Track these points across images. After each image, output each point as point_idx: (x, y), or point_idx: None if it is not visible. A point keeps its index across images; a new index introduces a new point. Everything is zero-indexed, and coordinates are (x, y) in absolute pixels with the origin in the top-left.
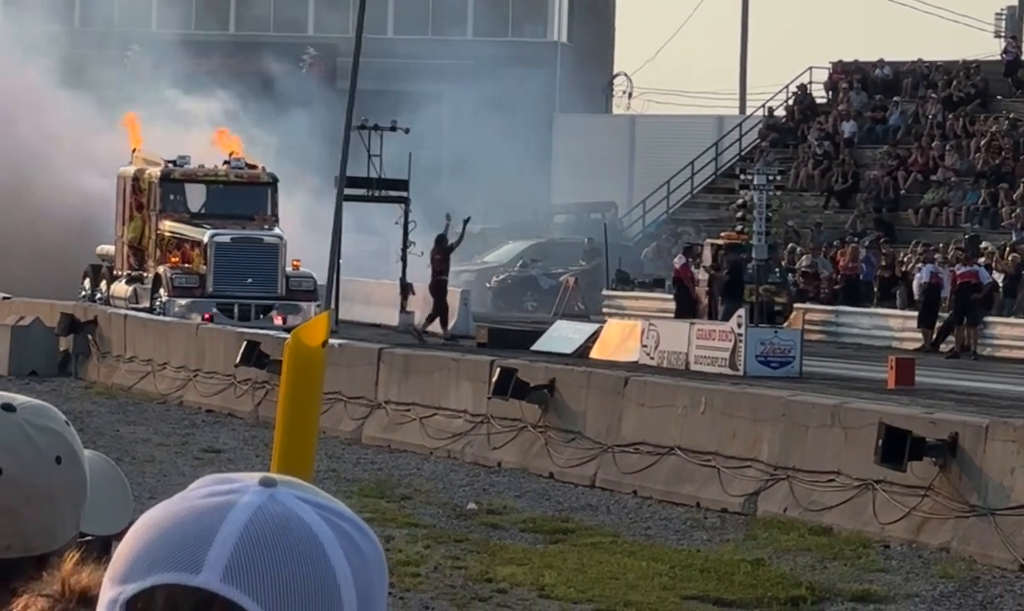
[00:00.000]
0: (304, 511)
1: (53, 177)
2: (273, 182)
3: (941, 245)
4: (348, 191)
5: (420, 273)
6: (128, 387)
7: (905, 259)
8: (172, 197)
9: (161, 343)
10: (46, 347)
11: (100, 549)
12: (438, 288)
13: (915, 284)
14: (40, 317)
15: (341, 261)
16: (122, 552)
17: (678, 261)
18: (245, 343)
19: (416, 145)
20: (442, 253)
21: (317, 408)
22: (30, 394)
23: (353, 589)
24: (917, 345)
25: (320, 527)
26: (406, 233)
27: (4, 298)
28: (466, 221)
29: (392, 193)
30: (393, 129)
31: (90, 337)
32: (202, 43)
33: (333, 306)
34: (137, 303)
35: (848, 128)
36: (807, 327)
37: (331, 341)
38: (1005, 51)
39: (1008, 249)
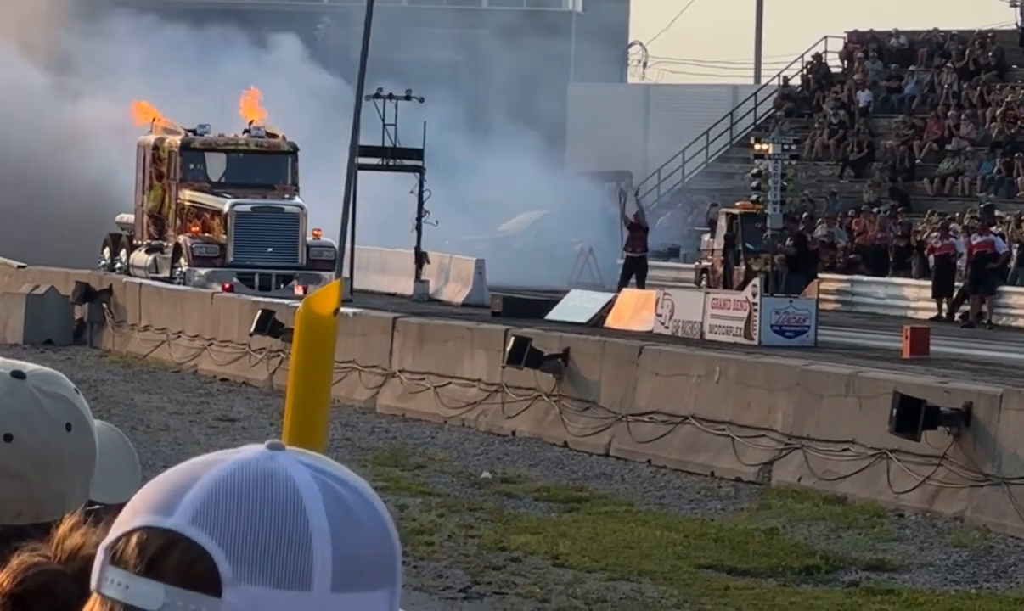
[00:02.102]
0: (296, 470)
1: (72, 146)
2: (294, 151)
3: (956, 214)
4: (363, 160)
5: (434, 242)
6: (143, 356)
7: (921, 229)
8: (192, 166)
9: (176, 312)
10: (61, 316)
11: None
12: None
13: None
14: (55, 286)
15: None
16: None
17: None
18: (260, 312)
19: (431, 114)
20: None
21: (328, 375)
22: (45, 363)
23: (329, 546)
24: (932, 314)
25: (306, 484)
26: (421, 202)
27: (19, 267)
28: (636, 193)
29: (407, 162)
30: (408, 98)
31: (105, 306)
32: (219, 11)
33: (347, 275)
34: (157, 273)
35: (863, 97)
36: (822, 297)
37: (345, 310)
38: (1021, 20)
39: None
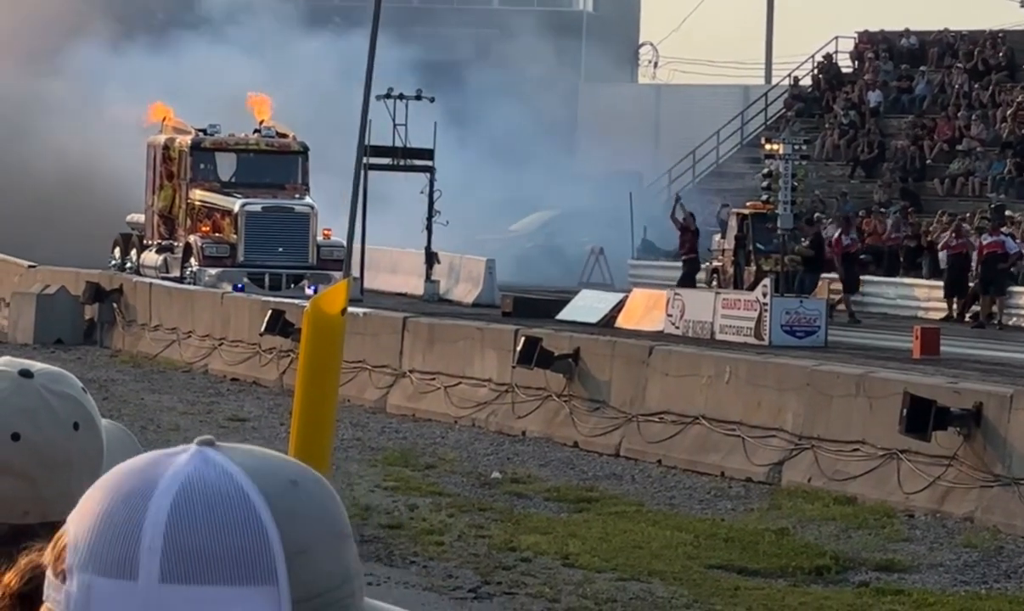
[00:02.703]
0: (184, 462)
1: (83, 145)
2: (304, 151)
3: (967, 214)
4: (373, 160)
5: (445, 242)
6: (153, 355)
7: (932, 229)
8: (203, 166)
9: (186, 312)
10: (71, 315)
11: None
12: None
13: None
14: (65, 285)
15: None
16: (71, 530)
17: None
18: (270, 312)
19: (441, 114)
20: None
21: (336, 373)
22: (55, 362)
23: (161, 533)
24: (943, 314)
25: (175, 476)
26: (431, 203)
27: (30, 267)
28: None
29: (417, 162)
30: (418, 98)
31: (115, 306)
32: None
33: (358, 275)
34: (167, 272)
35: (874, 98)
36: (832, 297)
37: (356, 310)
38: None
39: None
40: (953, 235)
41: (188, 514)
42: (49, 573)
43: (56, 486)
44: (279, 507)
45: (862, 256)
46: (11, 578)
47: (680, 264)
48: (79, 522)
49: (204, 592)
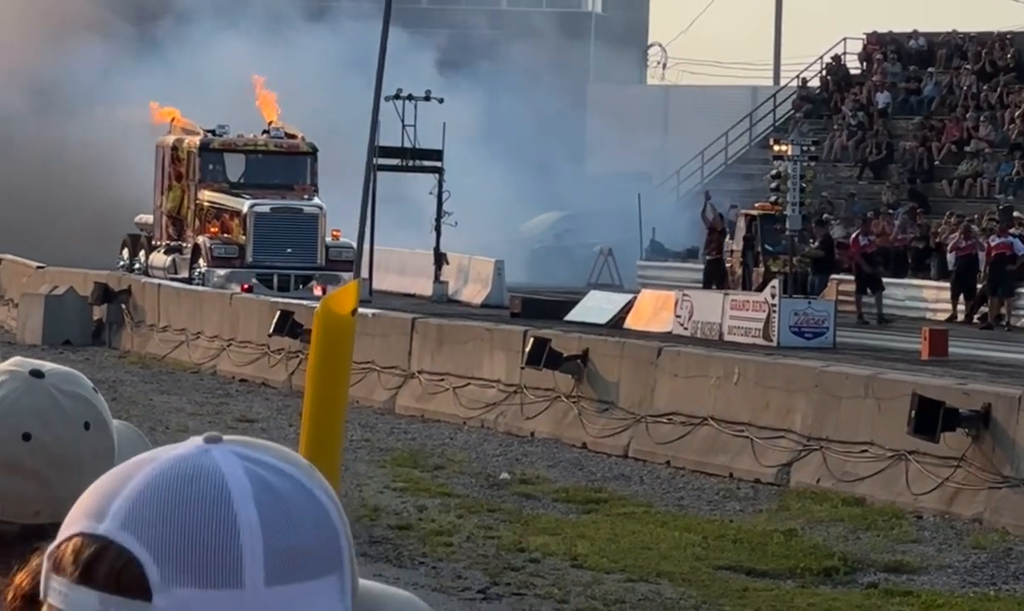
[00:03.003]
0: (228, 462)
1: (91, 145)
2: (313, 151)
3: (975, 216)
4: (382, 161)
5: (454, 243)
6: (162, 357)
7: (939, 230)
8: (211, 167)
9: (195, 313)
10: (80, 316)
11: None
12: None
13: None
14: (74, 286)
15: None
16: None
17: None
18: (278, 313)
19: (450, 115)
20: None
21: (347, 375)
22: (63, 363)
23: (260, 538)
24: (947, 315)
25: (236, 477)
26: (440, 203)
27: (38, 267)
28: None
29: (426, 163)
30: (427, 99)
31: (123, 306)
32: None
33: (366, 276)
34: (176, 273)
35: (882, 99)
36: (841, 298)
37: (364, 311)
38: None
39: None
40: (962, 236)
41: (276, 516)
42: (65, 580)
43: (67, 486)
44: (330, 495)
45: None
46: (23, 579)
47: (701, 264)
48: (150, 537)
49: (300, 589)
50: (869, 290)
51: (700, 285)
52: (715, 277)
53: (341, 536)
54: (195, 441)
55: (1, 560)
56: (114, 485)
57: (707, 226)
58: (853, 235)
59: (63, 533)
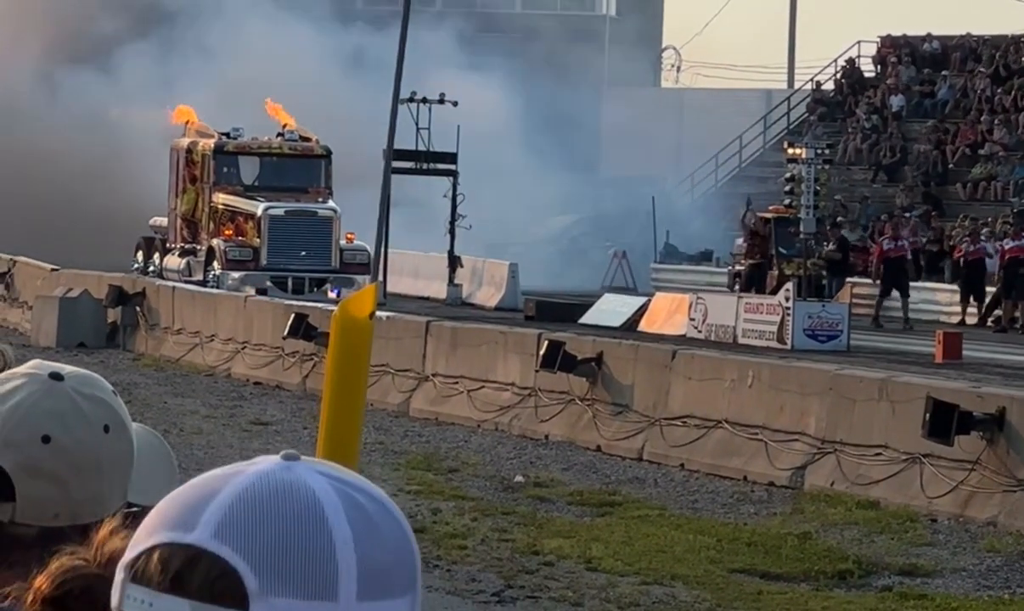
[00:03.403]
0: (314, 480)
1: (105, 147)
2: (327, 154)
3: (989, 219)
4: (396, 164)
5: (468, 246)
6: (176, 359)
7: (953, 233)
8: (226, 169)
9: (209, 315)
10: (94, 319)
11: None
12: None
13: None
14: (88, 289)
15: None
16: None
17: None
18: (293, 315)
19: (465, 117)
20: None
21: (364, 378)
22: (78, 366)
23: (354, 554)
24: (958, 319)
25: (326, 493)
26: (454, 206)
27: (53, 270)
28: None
29: (440, 166)
30: (441, 102)
31: (138, 309)
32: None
33: (381, 279)
34: (190, 276)
35: (896, 102)
36: (855, 301)
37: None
38: None
39: None
40: (968, 240)
41: (366, 533)
42: (150, 590)
43: (86, 489)
44: (356, 517)
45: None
46: (42, 582)
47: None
48: (246, 547)
49: (384, 606)
50: (897, 293)
51: (716, 288)
52: (756, 281)
53: (417, 558)
54: (272, 458)
55: (20, 562)
56: (198, 497)
57: (747, 231)
58: (881, 240)
59: (139, 544)
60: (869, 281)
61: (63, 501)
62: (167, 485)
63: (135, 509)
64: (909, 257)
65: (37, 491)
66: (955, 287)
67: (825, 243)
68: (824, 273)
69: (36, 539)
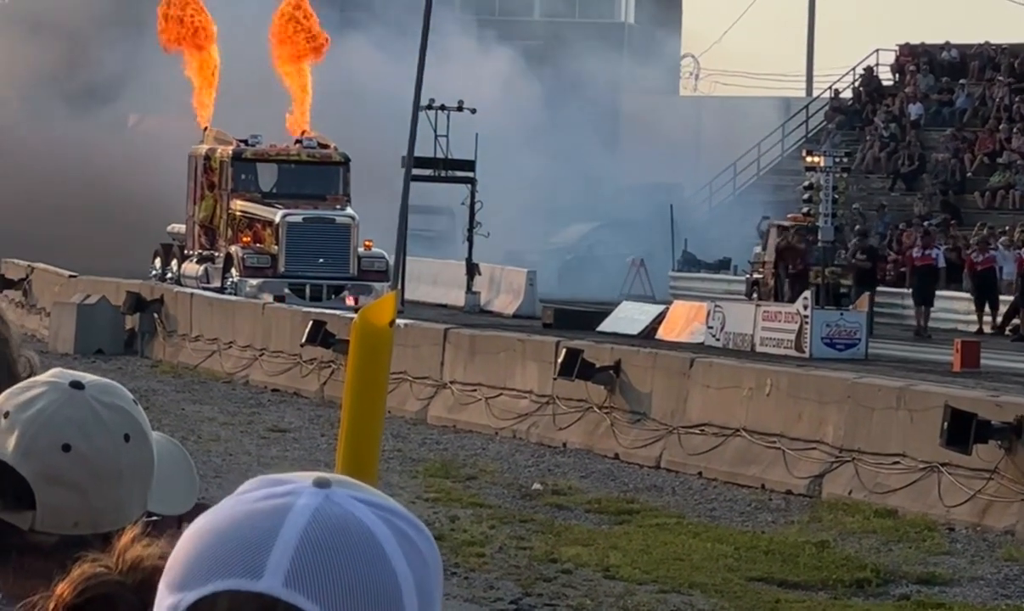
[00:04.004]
0: (361, 512)
1: (124, 154)
2: (345, 162)
3: (1007, 228)
4: (414, 171)
5: (486, 253)
6: (194, 366)
7: (970, 243)
8: (244, 176)
9: (227, 322)
10: (112, 325)
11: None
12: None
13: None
14: (106, 296)
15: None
16: (178, 558)
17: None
18: (311, 323)
19: (483, 125)
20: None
21: (384, 387)
22: (96, 372)
23: (414, 590)
24: (974, 329)
25: (379, 528)
26: (472, 213)
27: (71, 276)
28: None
29: (459, 173)
30: (460, 109)
31: (156, 316)
32: None
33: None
34: (208, 283)
35: (915, 110)
36: (877, 309)
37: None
38: None
39: None
40: (978, 250)
41: (418, 566)
42: None
43: (106, 497)
44: (409, 551)
45: (901, 269)
46: (64, 589)
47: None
48: (319, 595)
49: None
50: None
51: (734, 296)
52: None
53: (441, 574)
54: (305, 482)
55: (40, 570)
56: (254, 538)
57: (784, 246)
58: (911, 250)
59: (194, 587)
60: (887, 289)
61: (83, 509)
62: (187, 494)
63: (154, 518)
64: (942, 265)
65: (57, 499)
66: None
67: (843, 252)
68: (842, 282)
69: (56, 547)
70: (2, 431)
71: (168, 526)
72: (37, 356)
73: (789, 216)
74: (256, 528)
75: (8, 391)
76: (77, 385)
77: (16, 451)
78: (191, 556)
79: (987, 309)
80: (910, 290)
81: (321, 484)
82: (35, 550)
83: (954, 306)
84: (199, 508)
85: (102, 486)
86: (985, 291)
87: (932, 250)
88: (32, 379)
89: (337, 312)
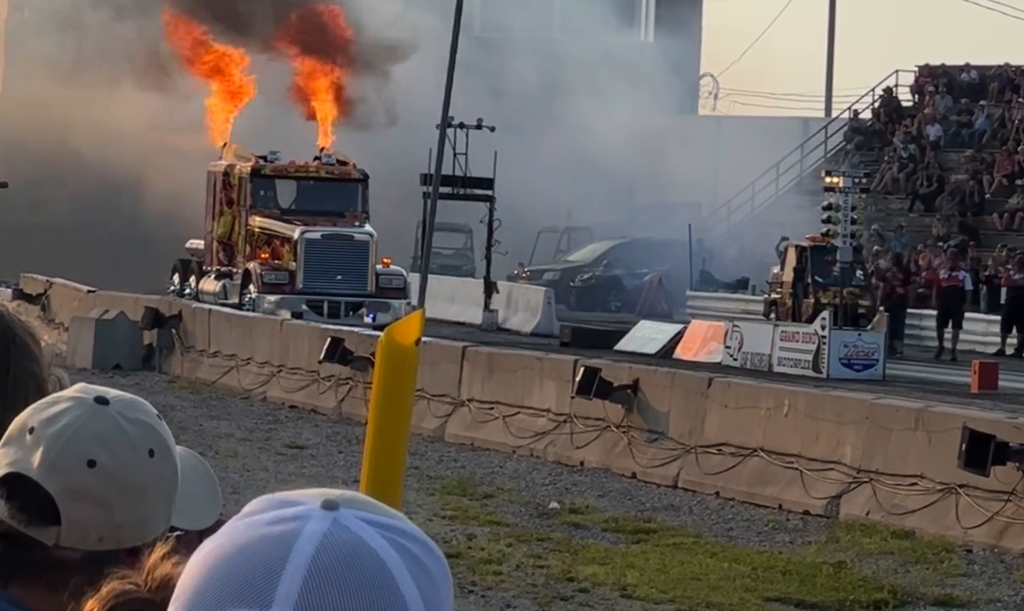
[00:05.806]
0: (370, 535)
1: (143, 170)
2: (364, 178)
3: None
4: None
5: (505, 271)
6: (211, 382)
7: (989, 264)
8: (262, 193)
9: (245, 338)
10: (130, 341)
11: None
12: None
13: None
14: (124, 311)
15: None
16: (187, 584)
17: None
18: (329, 339)
19: (501, 143)
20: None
21: (409, 406)
22: (115, 388)
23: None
24: (996, 349)
25: (387, 552)
26: (491, 231)
27: (89, 292)
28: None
29: (478, 191)
30: (479, 127)
31: (174, 331)
32: None
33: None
34: (226, 299)
35: (933, 131)
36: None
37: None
38: None
39: None
40: (1016, 268)
41: (428, 589)
42: None
43: (131, 512)
44: (417, 573)
45: (919, 290)
46: (93, 606)
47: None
48: None
49: None
50: (951, 323)
51: (752, 316)
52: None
53: (451, 591)
54: (313, 503)
55: (64, 585)
56: (262, 566)
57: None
58: (938, 271)
59: None
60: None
61: (108, 525)
62: (210, 509)
63: (178, 533)
64: (969, 287)
65: (82, 515)
66: (991, 317)
67: (860, 273)
68: (860, 303)
69: (80, 562)
70: (27, 446)
71: (191, 541)
72: (67, 374)
73: (807, 237)
74: (264, 555)
75: (33, 406)
76: (102, 400)
77: (41, 467)
78: (199, 584)
79: (1014, 331)
80: (935, 312)
81: (329, 506)
82: (59, 565)
83: (972, 327)
84: (220, 524)
85: (127, 501)
86: (1019, 312)
87: (959, 271)
88: (57, 394)
89: (355, 329)
